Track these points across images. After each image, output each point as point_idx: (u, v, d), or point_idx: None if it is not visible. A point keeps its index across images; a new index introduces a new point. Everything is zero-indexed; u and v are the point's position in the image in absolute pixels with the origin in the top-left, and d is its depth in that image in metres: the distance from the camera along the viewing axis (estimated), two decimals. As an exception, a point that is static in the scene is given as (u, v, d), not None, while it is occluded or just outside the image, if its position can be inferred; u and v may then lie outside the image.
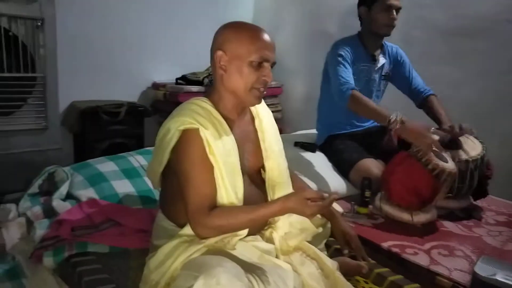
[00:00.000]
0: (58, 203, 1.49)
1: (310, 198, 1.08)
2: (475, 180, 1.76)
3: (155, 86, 3.09)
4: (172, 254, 1.11)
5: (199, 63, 3.15)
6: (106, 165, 1.70)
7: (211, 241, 1.12)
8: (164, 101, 2.98)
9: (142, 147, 2.75)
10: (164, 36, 3.08)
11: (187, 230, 1.14)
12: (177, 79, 3.05)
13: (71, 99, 2.77)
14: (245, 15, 3.42)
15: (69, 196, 1.55)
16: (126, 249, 1.39)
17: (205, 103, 1.19)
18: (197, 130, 1.12)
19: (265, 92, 1.20)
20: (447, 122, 1.91)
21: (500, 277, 1.19)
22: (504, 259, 1.43)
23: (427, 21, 2.56)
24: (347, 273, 1.31)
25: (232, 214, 1.12)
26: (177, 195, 1.15)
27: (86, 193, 1.54)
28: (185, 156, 1.12)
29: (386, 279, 1.34)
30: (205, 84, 2.93)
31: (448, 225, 1.72)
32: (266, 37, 1.16)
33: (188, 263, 1.07)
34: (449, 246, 1.53)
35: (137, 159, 1.78)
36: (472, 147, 1.80)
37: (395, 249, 1.49)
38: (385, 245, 1.52)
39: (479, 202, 1.91)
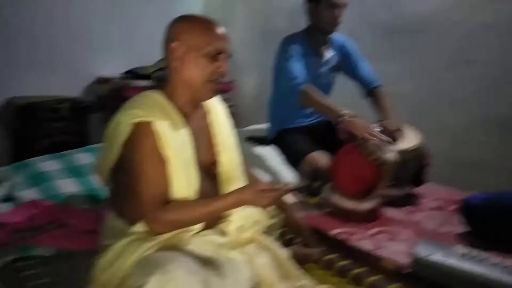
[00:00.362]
0: (-5, 206, 1.40)
1: (264, 189, 1.09)
2: (413, 168, 1.89)
3: (100, 80, 2.96)
4: (123, 253, 1.09)
5: (148, 57, 3.05)
6: (49, 164, 1.62)
7: (164, 237, 1.11)
8: (110, 96, 2.87)
9: (87, 144, 2.65)
10: (110, 29, 2.95)
11: (140, 227, 1.12)
12: (124, 73, 2.94)
13: (9, 95, 2.59)
14: (195, 9, 3.37)
15: (9, 198, 1.47)
16: (73, 251, 1.34)
17: (158, 96, 1.17)
18: (149, 123, 1.09)
19: (220, 86, 1.20)
20: (389, 115, 2.03)
21: (437, 256, 1.30)
22: (440, 240, 1.55)
23: (369, 19, 2.69)
24: (300, 261, 1.35)
25: (186, 208, 1.11)
26: (129, 191, 1.12)
27: (28, 193, 1.47)
28: (137, 150, 1.10)
29: (335, 264, 1.41)
30: (153, 79, 2.86)
31: (391, 212, 1.83)
32: (221, 28, 1.17)
33: (140, 261, 1.06)
34: (391, 231, 1.63)
35: (82, 157, 1.72)
36: (410, 138, 1.93)
37: (342, 236, 1.57)
38: (333, 232, 1.59)
39: (418, 189, 2.05)
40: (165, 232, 1.10)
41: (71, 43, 2.80)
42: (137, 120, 1.09)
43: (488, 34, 2.27)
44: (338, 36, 2.21)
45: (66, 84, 2.82)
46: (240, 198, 1.10)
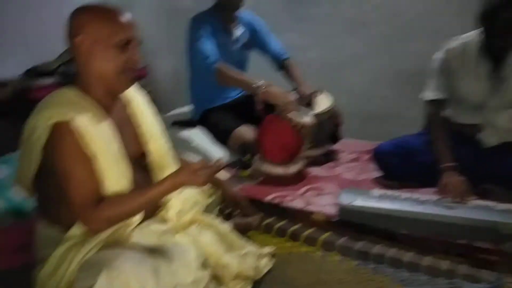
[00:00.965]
0: None
1: (197, 168, 1.10)
2: (329, 128, 2.08)
3: (-2, 85, 2.69)
4: (65, 259, 1.06)
5: (48, 52, 2.82)
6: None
7: (104, 235, 1.08)
8: (11, 101, 2.62)
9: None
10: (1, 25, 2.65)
11: (76, 230, 1.08)
12: (23, 74, 2.70)
13: None
14: (91, -3, 3.17)
15: None
16: (6, 270, 1.28)
17: (72, 92, 1.12)
18: (68, 122, 1.04)
19: (135, 74, 1.17)
20: (301, 82, 2.17)
21: (358, 201, 1.49)
22: (360, 187, 1.76)
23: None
24: (241, 231, 1.44)
25: (122, 202, 1.09)
26: (58, 196, 1.08)
27: None
28: (60, 152, 1.05)
29: (273, 226, 1.54)
30: (60, 74, 2.67)
31: (315, 170, 2.01)
32: (126, 16, 1.13)
33: (85, 263, 1.04)
34: (318, 187, 1.81)
35: (-5, 171, 1.60)
36: (323, 101, 2.11)
37: (276, 200, 1.70)
38: (267, 198, 1.72)
39: (335, 146, 2.26)
40: (104, 230, 1.08)
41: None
42: (54, 121, 1.04)
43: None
44: (245, 13, 2.27)
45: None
46: (175, 182, 1.09)
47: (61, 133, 1.05)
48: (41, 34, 2.80)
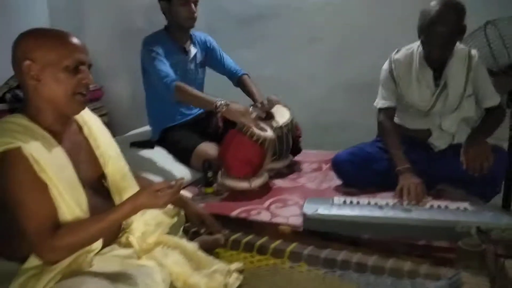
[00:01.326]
0: None
1: (158, 189, 1.10)
2: (290, 141, 2.13)
3: None
4: None
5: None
6: None
7: (64, 264, 1.04)
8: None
9: None
10: None
11: (32, 262, 1.04)
12: (-31, 101, 2.56)
13: None
14: (41, 20, 3.07)
15: None
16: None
17: (20, 119, 1.09)
18: (18, 149, 1.01)
19: (87, 97, 1.15)
20: (259, 97, 2.21)
21: (320, 210, 1.52)
22: (323, 196, 1.80)
23: (224, 10, 2.83)
24: (208, 249, 1.43)
25: (81, 228, 1.05)
26: (11, 228, 1.04)
27: None
28: (11, 180, 1.01)
29: (240, 242, 1.54)
30: (8, 101, 2.56)
31: (278, 182, 2.04)
32: (75, 39, 1.12)
33: None
34: (282, 199, 1.83)
35: None
36: (282, 115, 2.16)
37: (242, 215, 1.70)
38: (233, 214, 1.71)
39: (296, 158, 2.31)
40: (62, 259, 1.04)
41: None
42: (3, 148, 1.01)
43: (327, 15, 2.61)
44: (198, 33, 2.30)
45: None
46: (135, 204, 1.08)
47: (11, 161, 1.02)
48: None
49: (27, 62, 1.06)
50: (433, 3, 1.65)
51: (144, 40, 2.11)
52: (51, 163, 1.06)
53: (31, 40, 1.09)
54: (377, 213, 1.49)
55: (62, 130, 1.16)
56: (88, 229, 1.06)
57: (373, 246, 1.46)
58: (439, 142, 1.84)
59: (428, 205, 1.57)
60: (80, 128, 1.24)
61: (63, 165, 1.10)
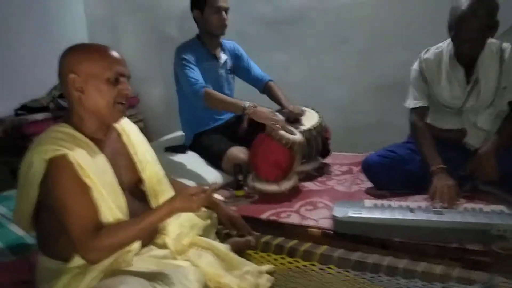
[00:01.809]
0: None
1: (192, 193, 1.15)
2: (319, 143, 2.14)
3: (-10, 123, 2.72)
4: None
5: (38, 89, 2.89)
6: (-42, 223, 1.50)
7: (105, 264, 1.11)
8: (6, 137, 2.66)
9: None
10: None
11: (76, 262, 1.11)
12: (16, 110, 2.74)
13: None
14: (80, 35, 3.24)
15: None
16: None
17: (66, 128, 1.16)
18: (64, 155, 1.08)
19: (126, 106, 1.23)
20: (286, 102, 2.24)
21: (351, 213, 1.53)
22: (353, 199, 1.81)
23: (253, 15, 2.88)
24: (239, 250, 1.47)
25: (120, 229, 1.11)
26: (57, 229, 1.11)
27: None
28: (58, 185, 1.08)
29: (271, 244, 1.56)
30: (52, 109, 2.72)
31: (308, 185, 2.05)
32: (115, 53, 1.20)
33: None
34: (312, 202, 1.84)
35: (-7, 208, 1.62)
36: (310, 118, 2.17)
37: (272, 217, 1.73)
38: (263, 216, 1.74)
39: (326, 160, 2.31)
40: (103, 259, 1.09)
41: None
42: (50, 155, 1.08)
43: (355, 15, 2.60)
44: (227, 41, 2.36)
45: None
46: (172, 208, 1.13)
47: (57, 167, 1.09)
48: (31, 71, 2.88)
49: (72, 76, 1.14)
50: None
51: (177, 48, 2.19)
52: (94, 168, 1.13)
53: (75, 55, 1.17)
54: (408, 216, 1.48)
55: (104, 138, 1.23)
56: (127, 231, 1.11)
57: (404, 249, 1.45)
58: (474, 140, 1.79)
59: (461, 208, 1.54)
60: (119, 136, 1.32)
61: (105, 171, 1.17)
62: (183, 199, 1.14)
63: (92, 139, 1.18)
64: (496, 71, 1.71)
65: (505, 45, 1.73)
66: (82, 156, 1.12)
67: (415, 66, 1.86)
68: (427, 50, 1.85)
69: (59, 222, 1.09)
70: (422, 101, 1.84)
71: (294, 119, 2.10)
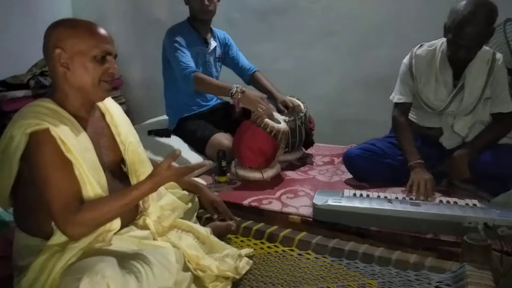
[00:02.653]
0: None
1: (169, 164, 1.15)
2: (303, 133, 2.16)
3: (-33, 98, 2.64)
4: (45, 267, 1.07)
5: (19, 65, 2.82)
6: None
7: (85, 242, 1.09)
8: (-16, 113, 2.59)
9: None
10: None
11: (56, 239, 1.09)
12: (-5, 86, 2.67)
13: None
14: (64, 11, 3.16)
15: None
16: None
17: (49, 103, 1.15)
18: (47, 130, 1.07)
19: (111, 85, 1.21)
20: (275, 90, 2.25)
21: (330, 201, 1.56)
22: (333, 189, 1.84)
23: (243, 3, 2.87)
24: (220, 234, 1.49)
25: (103, 204, 1.10)
26: (37, 205, 1.10)
27: None
28: (39, 159, 1.07)
29: (251, 229, 1.59)
30: (32, 87, 2.65)
31: (290, 174, 2.08)
32: (103, 30, 1.18)
33: (66, 270, 1.05)
34: (293, 190, 1.87)
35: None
36: (296, 108, 2.19)
37: (254, 204, 1.75)
38: (245, 202, 1.77)
39: (309, 150, 2.34)
40: (85, 234, 1.08)
41: None
42: (32, 129, 1.06)
43: (345, 7, 2.62)
44: (218, 30, 2.35)
45: None
46: (154, 182, 1.13)
47: (39, 141, 1.07)
48: (11, 50, 2.79)
49: (58, 51, 1.12)
50: (465, 2, 1.60)
51: (168, 30, 2.17)
52: (76, 145, 1.11)
53: (62, 30, 1.14)
54: (386, 206, 1.52)
55: (87, 116, 1.22)
56: (109, 205, 1.10)
57: (380, 238, 1.50)
58: (448, 142, 1.84)
59: (437, 200, 1.59)
60: (103, 115, 1.30)
61: (87, 149, 1.15)
62: (162, 171, 1.13)
63: (75, 116, 1.17)
64: (482, 81, 1.72)
65: (498, 55, 1.74)
66: (65, 132, 1.10)
67: (406, 60, 1.87)
68: (421, 45, 1.85)
69: (40, 197, 1.08)
70: (407, 97, 1.87)
71: (280, 108, 2.11)
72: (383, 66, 2.46)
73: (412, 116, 1.94)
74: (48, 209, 1.07)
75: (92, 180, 1.13)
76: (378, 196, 1.62)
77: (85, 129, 1.18)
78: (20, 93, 2.58)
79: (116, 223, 1.19)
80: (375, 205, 1.53)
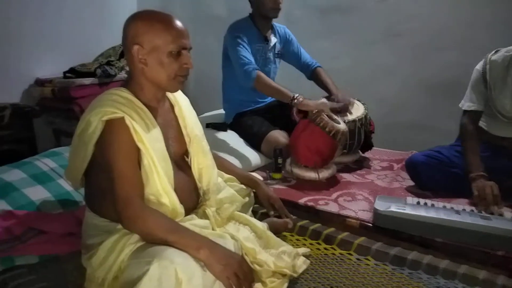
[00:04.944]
0: (-34, 223, 1.35)
1: (233, 274, 1.06)
2: (362, 136, 2.10)
3: (40, 82, 2.80)
4: (115, 249, 1.11)
5: (87, 54, 2.96)
6: (11, 174, 1.57)
7: None
8: (53, 98, 2.73)
9: (35, 150, 2.53)
10: (44, 27, 2.78)
11: None
12: (64, 72, 2.82)
13: None
14: (129, 2, 3.28)
15: (-23, 213, 1.42)
16: (56, 255, 1.34)
17: (125, 93, 1.19)
18: (122, 119, 1.11)
19: (186, 78, 1.24)
20: (334, 88, 2.21)
21: (394, 208, 1.50)
22: (393, 195, 1.77)
23: (304, 1, 2.83)
24: (276, 231, 1.48)
25: (165, 226, 1.09)
26: (106, 189, 1.13)
27: (-2, 206, 1.43)
28: (111, 146, 1.11)
29: (308, 229, 1.56)
30: (98, 75, 2.78)
31: (347, 176, 2.02)
32: (179, 24, 1.19)
33: (135, 252, 1.08)
34: (350, 193, 1.82)
35: (45, 163, 1.68)
36: (356, 109, 2.14)
37: (310, 203, 1.72)
38: (301, 201, 1.74)
39: (367, 154, 2.27)
40: (135, 232, 1.09)
41: (5, 45, 2.62)
42: (109, 117, 1.11)
43: (413, 9, 2.51)
44: (278, 25, 2.33)
45: (3, 89, 2.64)
46: (209, 259, 1.05)
47: (114, 128, 1.11)
48: (81, 39, 2.95)
49: (136, 47, 1.16)
50: None
51: (230, 26, 2.18)
52: (148, 135, 1.15)
53: (139, 25, 1.17)
54: (454, 217, 1.44)
55: (158, 107, 1.25)
56: (166, 234, 1.07)
57: (445, 250, 1.41)
58: None
59: (510, 215, 1.48)
60: (172, 107, 1.34)
61: (157, 139, 1.18)
62: (220, 269, 1.05)
63: (147, 106, 1.20)
64: None
65: None
66: (138, 121, 1.14)
67: (479, 66, 1.76)
68: (497, 51, 1.73)
69: (109, 182, 1.11)
70: (478, 105, 1.76)
71: (340, 109, 2.06)
72: (449, 71, 2.34)
73: (482, 124, 1.82)
74: (114, 194, 1.10)
75: (160, 170, 1.15)
76: (444, 206, 1.54)
77: (155, 119, 1.21)
78: (87, 81, 2.71)
79: (181, 211, 1.21)
80: (442, 215, 1.45)
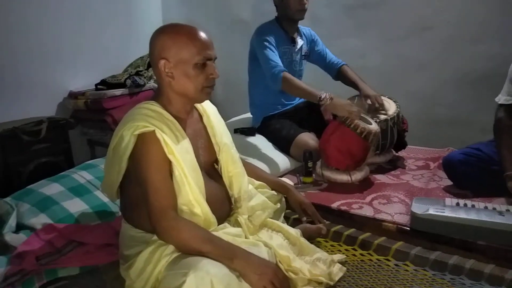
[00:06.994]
0: (11, 237, 1.41)
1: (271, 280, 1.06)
2: (395, 135, 2.04)
3: (73, 95, 2.90)
4: (151, 260, 1.13)
5: (116, 65, 3.04)
6: (50, 188, 1.63)
7: None
8: (87, 110, 2.82)
9: (72, 161, 2.62)
10: (74, 41, 2.88)
11: None
12: (96, 84, 2.91)
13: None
14: (154, 13, 3.34)
15: (20, 227, 1.48)
16: (95, 266, 1.38)
17: (155, 106, 1.21)
18: (153, 132, 1.13)
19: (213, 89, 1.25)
20: (364, 85, 2.15)
21: (432, 211, 1.44)
22: (430, 196, 1.71)
23: (330, -1, 2.78)
24: (309, 237, 1.46)
25: (201, 238, 1.10)
26: (141, 201, 1.15)
27: (39, 220, 1.48)
28: (145, 160, 1.13)
29: (342, 234, 1.53)
30: (128, 86, 2.84)
31: (380, 178, 1.97)
32: (203, 35, 1.20)
33: (171, 263, 1.10)
34: (385, 195, 1.77)
35: (82, 175, 1.73)
36: (388, 107, 2.07)
37: (343, 207, 1.68)
38: (334, 205, 1.70)
39: (401, 153, 2.20)
40: (169, 242, 1.11)
41: (36, 61, 2.72)
42: (140, 131, 1.13)
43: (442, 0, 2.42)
44: (303, 27, 2.31)
45: (38, 104, 2.73)
46: (244, 268, 1.06)
47: (146, 142, 1.14)
48: (110, 51, 3.04)
49: (162, 62, 1.18)
50: None
51: (258, 29, 2.18)
52: (178, 147, 1.17)
53: (165, 39, 1.19)
54: (497, 219, 1.37)
55: (186, 118, 1.27)
56: (201, 245, 1.08)
57: (489, 254, 1.35)
58: None
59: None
60: (200, 116, 1.35)
61: (187, 150, 1.20)
62: (256, 278, 1.05)
63: (176, 118, 1.22)
64: None
65: None
66: (168, 134, 1.16)
67: None
68: None
69: (143, 194, 1.14)
70: None
71: (371, 107, 2.01)
72: (485, 63, 2.22)
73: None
74: (148, 207, 1.12)
75: (191, 181, 1.17)
76: (486, 207, 1.46)
77: (185, 130, 1.23)
78: (118, 92, 2.78)
79: (214, 221, 1.22)
80: (484, 217, 1.38)
